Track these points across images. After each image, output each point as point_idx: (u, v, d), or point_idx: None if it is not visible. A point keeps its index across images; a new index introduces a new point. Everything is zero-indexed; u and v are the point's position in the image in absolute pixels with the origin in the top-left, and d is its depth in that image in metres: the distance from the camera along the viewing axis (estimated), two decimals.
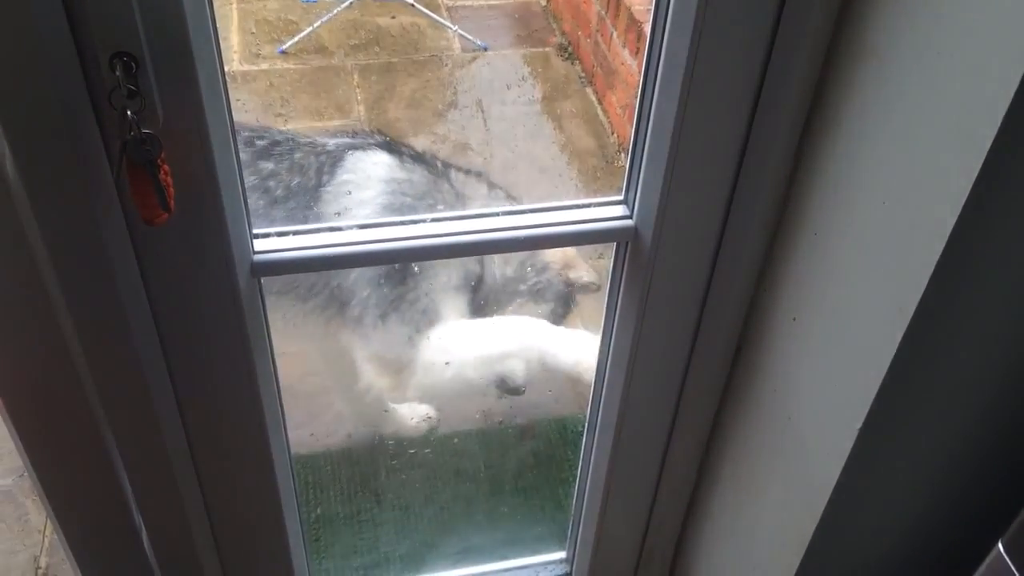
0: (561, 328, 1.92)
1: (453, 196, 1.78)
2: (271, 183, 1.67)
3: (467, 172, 1.85)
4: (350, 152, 1.75)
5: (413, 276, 1.77)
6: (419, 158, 1.81)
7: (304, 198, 1.68)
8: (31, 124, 0.79)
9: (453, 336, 1.83)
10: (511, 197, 1.88)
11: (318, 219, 1.69)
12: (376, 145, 1.79)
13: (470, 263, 1.81)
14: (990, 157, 0.74)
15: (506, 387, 1.89)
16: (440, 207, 1.75)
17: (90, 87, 0.80)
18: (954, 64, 0.77)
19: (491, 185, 1.86)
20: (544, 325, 1.90)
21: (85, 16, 0.76)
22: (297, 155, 1.72)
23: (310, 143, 1.76)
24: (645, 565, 1.57)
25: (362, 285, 1.75)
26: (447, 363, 1.83)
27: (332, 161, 1.72)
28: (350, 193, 1.70)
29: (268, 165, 1.68)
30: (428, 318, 1.78)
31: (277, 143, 1.72)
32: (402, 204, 1.73)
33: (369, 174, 1.73)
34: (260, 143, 1.71)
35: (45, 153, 0.81)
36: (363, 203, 1.71)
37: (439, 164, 1.82)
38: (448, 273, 1.79)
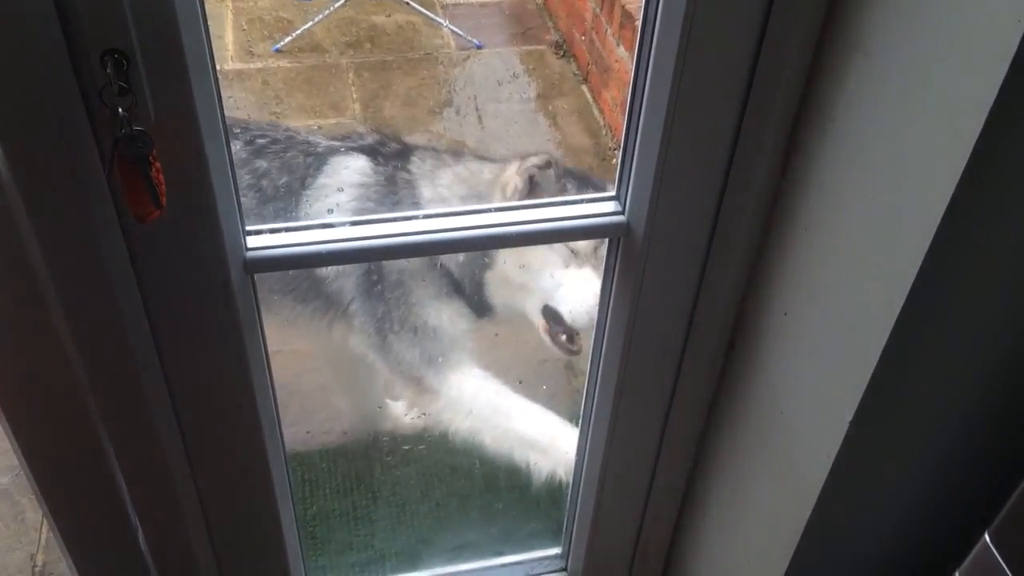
0: None
1: (408, 187, 1.73)
2: (264, 182, 1.68)
3: (424, 149, 1.80)
4: (332, 155, 1.73)
5: (391, 289, 1.73)
6: (392, 156, 1.76)
7: (289, 199, 1.68)
8: (22, 121, 0.80)
9: (485, 391, 1.76)
10: (482, 158, 1.81)
11: (298, 220, 1.68)
12: (358, 148, 1.76)
13: (432, 268, 1.76)
14: (977, 151, 0.74)
15: (517, 475, 1.77)
16: (399, 205, 1.72)
17: (81, 84, 0.80)
18: (941, 59, 0.77)
19: (456, 156, 1.80)
20: None
21: (76, 13, 0.76)
22: (290, 154, 1.71)
23: (305, 142, 1.75)
24: (640, 559, 1.57)
25: (348, 292, 1.73)
26: (470, 411, 1.76)
27: (318, 163, 1.71)
28: (327, 197, 1.68)
29: (263, 163, 1.68)
30: (425, 335, 1.74)
31: (276, 141, 1.72)
32: (366, 208, 1.71)
33: (343, 179, 1.71)
34: (260, 141, 1.71)
35: (36, 151, 0.81)
36: (338, 208, 1.69)
37: (402, 149, 1.77)
38: (425, 285, 1.76)
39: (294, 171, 1.70)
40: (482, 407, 1.75)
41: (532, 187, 1.70)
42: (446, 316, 1.75)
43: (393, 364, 1.76)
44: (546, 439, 1.74)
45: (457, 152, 1.89)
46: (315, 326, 1.76)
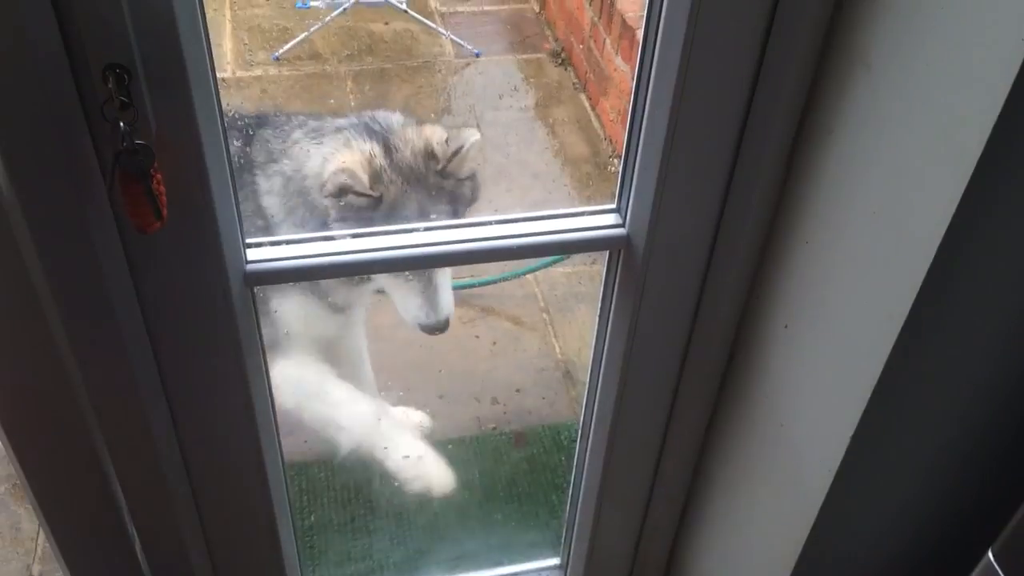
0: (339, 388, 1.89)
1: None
2: None
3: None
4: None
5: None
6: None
7: None
8: (24, 135, 0.79)
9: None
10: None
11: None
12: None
13: None
14: (979, 168, 0.74)
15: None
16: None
17: (83, 98, 0.80)
18: (943, 75, 0.77)
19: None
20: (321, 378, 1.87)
21: (77, 28, 0.76)
22: None
23: None
24: (639, 570, 1.57)
25: None
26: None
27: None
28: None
29: None
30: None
31: None
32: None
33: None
34: None
35: (38, 164, 0.81)
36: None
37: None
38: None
39: None
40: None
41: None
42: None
43: None
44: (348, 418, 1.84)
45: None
46: None
